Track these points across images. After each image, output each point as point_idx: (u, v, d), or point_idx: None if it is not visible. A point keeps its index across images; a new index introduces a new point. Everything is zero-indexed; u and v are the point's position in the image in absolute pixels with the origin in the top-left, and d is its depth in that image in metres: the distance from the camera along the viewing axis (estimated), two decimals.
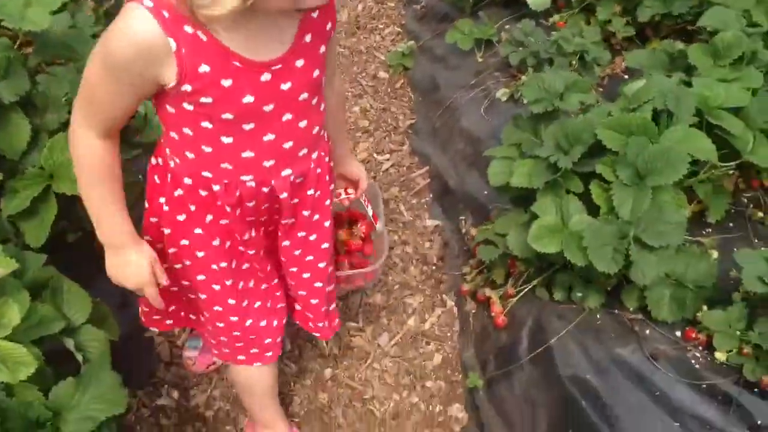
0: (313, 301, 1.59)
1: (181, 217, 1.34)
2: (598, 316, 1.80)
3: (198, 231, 1.35)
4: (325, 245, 1.51)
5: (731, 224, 1.97)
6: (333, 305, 1.66)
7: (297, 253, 1.49)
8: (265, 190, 1.29)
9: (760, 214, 1.95)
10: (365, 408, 1.95)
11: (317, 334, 1.67)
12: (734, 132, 1.66)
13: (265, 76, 1.14)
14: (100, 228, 1.28)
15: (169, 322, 1.66)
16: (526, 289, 1.89)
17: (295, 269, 1.53)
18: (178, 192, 1.31)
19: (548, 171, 1.70)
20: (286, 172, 1.28)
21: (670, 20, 2.30)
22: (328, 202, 1.47)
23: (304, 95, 1.22)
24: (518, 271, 1.94)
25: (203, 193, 1.28)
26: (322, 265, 1.53)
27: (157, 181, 1.36)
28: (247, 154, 1.22)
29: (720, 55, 1.86)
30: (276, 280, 1.55)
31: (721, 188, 1.91)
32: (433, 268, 2.32)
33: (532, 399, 1.79)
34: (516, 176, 1.75)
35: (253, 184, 1.27)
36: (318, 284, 1.56)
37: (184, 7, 1.01)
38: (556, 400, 1.73)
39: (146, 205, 1.42)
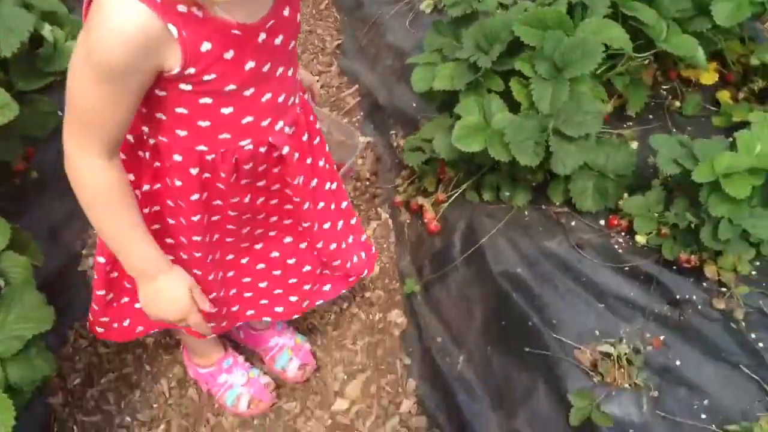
0: (350, 239, 1.55)
1: (156, 186, 1.24)
2: (526, 213, 1.85)
3: (171, 203, 1.24)
4: (335, 185, 1.46)
5: (651, 116, 2.03)
6: (363, 234, 1.64)
7: (321, 206, 1.42)
8: (262, 150, 1.21)
9: (678, 104, 2.02)
10: (307, 322, 1.99)
11: (365, 271, 1.64)
12: (647, 21, 1.69)
13: (262, 37, 1.07)
14: (129, 259, 1.16)
15: (126, 322, 1.52)
16: (456, 194, 1.93)
17: (328, 225, 1.45)
18: (157, 165, 1.20)
19: (469, 72, 1.71)
20: (279, 125, 1.21)
21: None
22: (317, 140, 1.40)
23: (292, 43, 1.16)
24: (448, 176, 1.96)
25: (193, 171, 1.17)
26: (345, 204, 1.49)
27: (123, 156, 1.18)
28: (248, 119, 1.14)
29: None
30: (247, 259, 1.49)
31: (639, 81, 1.96)
32: (367, 183, 2.33)
33: (466, 297, 1.85)
34: (438, 80, 1.75)
35: (251, 147, 1.19)
36: (352, 221, 1.54)
37: None
38: (489, 296, 1.79)
39: None
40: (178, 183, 1.19)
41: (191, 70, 1.00)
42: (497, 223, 1.84)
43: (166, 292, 1.19)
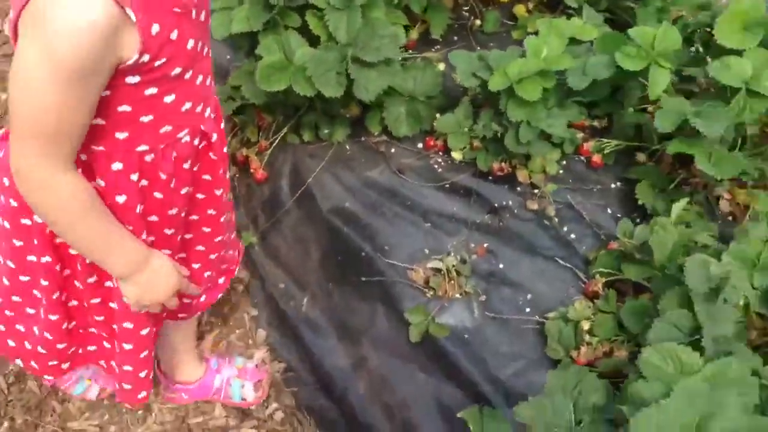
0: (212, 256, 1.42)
1: None
2: (347, 147, 1.86)
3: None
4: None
5: (455, 37, 2.08)
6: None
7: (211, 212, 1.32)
8: (196, 142, 1.13)
9: (479, 23, 2.08)
10: None
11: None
12: None
13: (194, 13, 0.99)
14: (116, 260, 1.09)
15: (66, 365, 1.41)
16: (277, 139, 1.90)
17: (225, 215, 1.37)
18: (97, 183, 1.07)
19: (264, 11, 1.67)
20: (208, 111, 1.13)
21: None
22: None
23: (210, 21, 1.08)
24: (267, 123, 1.93)
25: (134, 177, 1.07)
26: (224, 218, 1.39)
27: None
28: (186, 105, 1.06)
29: None
30: None
31: (439, 4, 2.00)
32: None
33: (302, 239, 1.85)
34: (235, 23, 1.70)
35: (188, 138, 1.10)
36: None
37: None
38: (322, 234, 1.80)
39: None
40: (119, 199, 1.09)
41: (146, 57, 0.92)
42: (321, 161, 1.84)
43: (161, 269, 1.15)
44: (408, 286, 1.65)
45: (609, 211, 1.74)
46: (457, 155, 1.79)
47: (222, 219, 1.35)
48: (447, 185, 1.77)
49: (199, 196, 1.27)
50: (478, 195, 1.76)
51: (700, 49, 1.69)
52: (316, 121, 1.84)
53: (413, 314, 1.59)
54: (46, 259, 1.16)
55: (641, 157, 1.76)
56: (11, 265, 1.20)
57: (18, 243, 1.16)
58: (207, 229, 1.33)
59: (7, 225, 1.15)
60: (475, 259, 1.66)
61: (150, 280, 1.14)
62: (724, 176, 1.48)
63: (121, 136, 1.03)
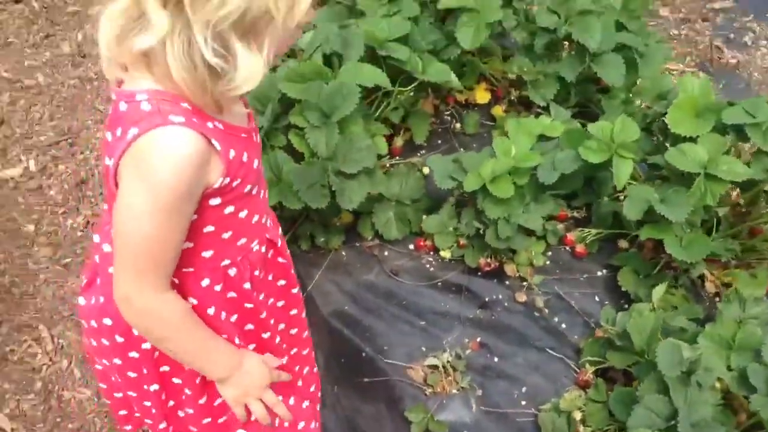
0: None
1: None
2: (343, 253, 1.96)
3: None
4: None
5: (439, 141, 2.21)
6: None
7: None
8: (263, 249, 1.24)
9: (458, 126, 2.21)
10: None
11: None
12: (403, 58, 1.87)
13: (253, 136, 1.12)
14: (216, 365, 1.17)
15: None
16: None
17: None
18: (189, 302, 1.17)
19: None
20: (268, 221, 1.26)
21: None
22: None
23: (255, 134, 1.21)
24: None
25: (217, 288, 1.18)
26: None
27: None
28: (255, 218, 1.17)
29: None
30: None
31: (419, 112, 2.14)
32: None
33: None
34: None
35: (257, 247, 1.21)
36: None
37: (206, 98, 0.94)
38: (325, 337, 1.88)
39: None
40: (210, 311, 1.18)
41: (227, 180, 1.03)
42: (319, 269, 1.94)
43: (253, 368, 1.21)
44: (408, 384, 1.71)
45: (597, 298, 1.81)
46: (445, 254, 1.88)
47: (303, 314, 1.46)
48: (439, 283, 1.85)
49: (279, 304, 1.37)
50: (468, 291, 1.83)
51: (660, 138, 1.79)
52: (311, 230, 1.95)
53: (413, 413, 1.63)
54: (154, 387, 1.26)
55: (623, 243, 1.84)
56: (133, 394, 1.30)
57: (132, 375, 1.25)
58: (294, 331, 1.44)
59: (118, 361, 1.24)
60: (469, 353, 1.72)
61: (245, 379, 1.21)
62: (693, 259, 1.54)
63: (207, 254, 1.14)
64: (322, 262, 1.95)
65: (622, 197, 1.79)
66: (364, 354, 1.78)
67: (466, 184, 1.70)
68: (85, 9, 2.99)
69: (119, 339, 1.20)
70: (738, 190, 1.77)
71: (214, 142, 0.98)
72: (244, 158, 1.06)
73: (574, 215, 1.90)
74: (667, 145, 1.74)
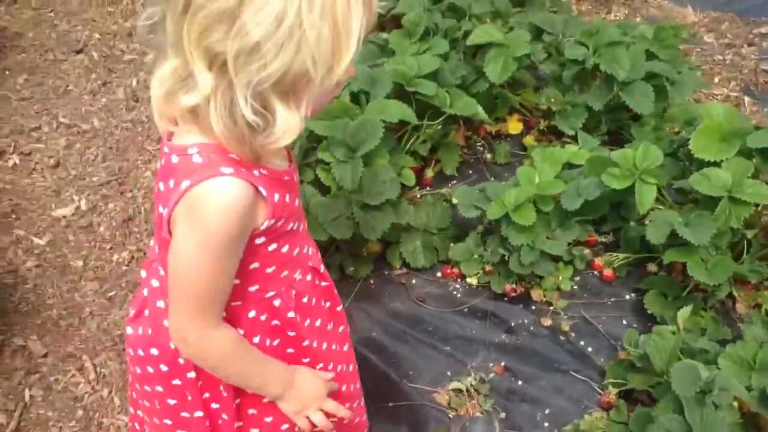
0: None
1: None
2: (371, 282, 2.01)
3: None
4: None
5: (470, 171, 2.26)
6: None
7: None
8: (308, 278, 1.31)
9: (489, 156, 2.25)
10: None
11: None
12: (430, 93, 1.93)
13: (295, 177, 1.20)
14: (270, 385, 1.23)
15: None
16: None
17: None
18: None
19: None
20: (311, 250, 1.33)
21: (382, 16, 2.59)
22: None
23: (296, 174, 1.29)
24: None
25: (263, 318, 1.25)
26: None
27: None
28: (296, 250, 1.24)
29: (411, 33, 2.15)
30: None
31: (450, 144, 2.19)
32: None
33: None
34: None
35: (300, 276, 1.28)
36: None
37: (244, 149, 1.01)
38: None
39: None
40: (255, 340, 1.24)
41: (272, 221, 1.10)
42: (348, 297, 1.99)
43: (306, 383, 1.27)
44: (432, 408, 1.72)
45: (624, 322, 1.80)
46: (472, 280, 1.90)
47: (348, 330, 1.50)
48: (465, 309, 1.88)
49: (329, 326, 1.40)
50: (494, 316, 1.85)
51: (686, 163, 1.78)
52: (341, 260, 2.01)
53: None
54: (198, 414, 1.31)
55: (652, 267, 1.82)
56: (168, 422, 1.35)
57: (172, 402, 1.31)
58: (345, 347, 1.48)
59: (160, 389, 1.30)
60: (494, 377, 1.73)
61: (301, 393, 1.26)
62: (716, 281, 1.53)
63: (252, 288, 1.20)
64: (351, 291, 2.00)
65: (647, 221, 1.79)
66: (390, 379, 1.81)
67: (490, 212, 1.74)
68: (141, 57, 3.18)
69: (164, 368, 1.27)
70: None
71: (260, 188, 1.03)
72: (287, 199, 1.12)
73: (602, 240, 1.90)
74: (693, 170, 1.73)
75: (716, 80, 3.03)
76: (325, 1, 0.93)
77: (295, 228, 1.19)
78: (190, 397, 1.30)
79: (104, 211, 2.37)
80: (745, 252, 1.71)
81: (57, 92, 2.94)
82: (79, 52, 3.21)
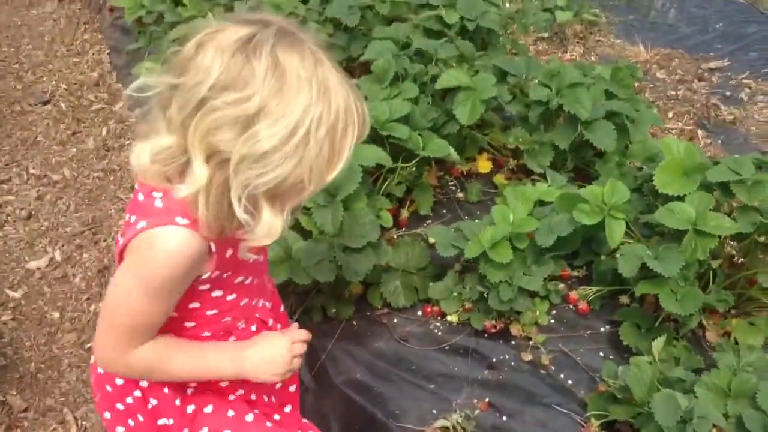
0: None
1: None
2: (354, 323, 2.03)
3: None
4: None
5: (444, 210, 2.31)
6: None
7: None
8: (253, 328, 1.33)
9: (461, 195, 2.31)
10: None
11: None
12: (403, 136, 1.99)
13: None
14: (220, 369, 1.24)
15: None
16: (290, 322, 2.09)
17: None
18: None
19: None
20: (262, 302, 1.35)
21: (353, 62, 2.67)
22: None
23: None
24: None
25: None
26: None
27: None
28: (244, 301, 1.27)
29: (381, 79, 2.22)
30: None
31: (423, 185, 2.25)
32: None
33: (321, 413, 1.97)
34: None
35: (244, 325, 1.31)
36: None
37: (219, 234, 1.05)
38: (338, 406, 1.93)
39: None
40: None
41: (216, 273, 1.15)
42: (331, 339, 2.01)
43: (262, 351, 1.25)
44: None
45: (601, 354, 1.85)
46: (452, 318, 1.94)
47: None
48: (447, 347, 1.91)
49: None
50: (476, 352, 1.89)
51: (651, 198, 1.87)
52: (323, 302, 2.03)
53: None
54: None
55: (624, 299, 1.89)
56: None
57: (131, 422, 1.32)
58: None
59: (132, 423, 1.31)
60: (479, 414, 1.76)
61: (257, 364, 1.24)
62: (686, 312, 1.60)
63: (188, 325, 1.24)
64: (334, 333, 2.02)
65: (618, 255, 1.86)
66: (377, 419, 1.83)
67: (467, 251, 1.79)
68: (109, 106, 3.20)
69: (108, 389, 1.29)
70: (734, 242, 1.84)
71: (211, 244, 1.08)
72: (239, 255, 1.16)
73: (575, 274, 1.96)
74: (658, 204, 1.82)
75: (670, 115, 3.18)
76: (330, 121, 1.00)
77: (247, 282, 1.24)
78: (141, 417, 1.31)
79: (79, 262, 2.37)
80: (711, 282, 1.79)
81: (26, 143, 2.94)
82: (46, 103, 3.21)
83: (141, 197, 1.10)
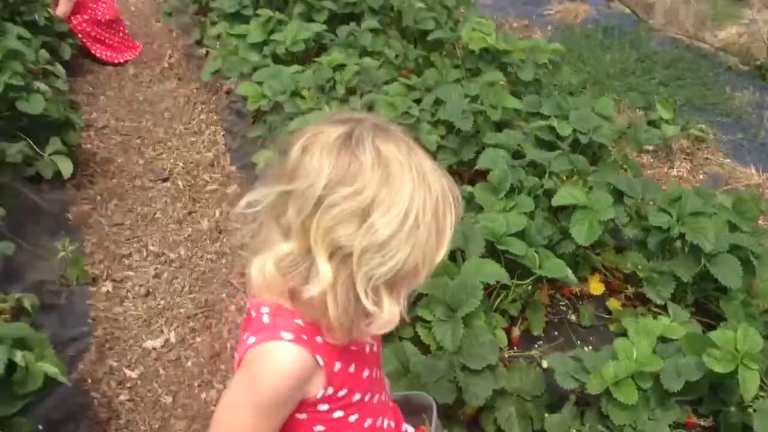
0: None
1: None
2: None
3: None
4: None
5: (556, 332, 2.28)
6: None
7: None
8: None
9: (573, 317, 2.28)
10: None
11: None
12: (520, 253, 2.00)
13: (368, 348, 1.25)
14: None
15: None
16: None
17: None
18: None
19: None
20: (387, 422, 1.35)
21: (464, 166, 2.72)
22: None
23: (381, 350, 1.34)
24: None
25: None
26: None
27: None
28: (368, 421, 1.28)
29: (496, 190, 2.25)
30: None
31: (536, 303, 2.23)
32: None
33: None
34: None
35: None
36: None
37: (347, 336, 1.08)
38: None
39: None
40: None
41: (330, 390, 1.16)
42: None
43: None
44: None
45: None
46: None
47: None
48: None
49: None
50: None
51: None
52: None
53: None
54: None
55: None
56: None
57: None
58: None
59: None
60: None
61: None
62: None
63: None
64: None
65: (751, 408, 1.78)
66: None
67: (589, 386, 1.75)
68: (223, 188, 3.33)
69: None
70: None
71: (318, 358, 1.10)
72: (351, 369, 1.17)
73: (702, 423, 1.88)
74: None
75: None
76: (433, 205, 1.04)
77: (366, 399, 1.23)
78: None
79: (192, 345, 2.42)
80: None
81: (145, 219, 3.07)
82: (165, 180, 3.37)
83: (252, 314, 1.13)
